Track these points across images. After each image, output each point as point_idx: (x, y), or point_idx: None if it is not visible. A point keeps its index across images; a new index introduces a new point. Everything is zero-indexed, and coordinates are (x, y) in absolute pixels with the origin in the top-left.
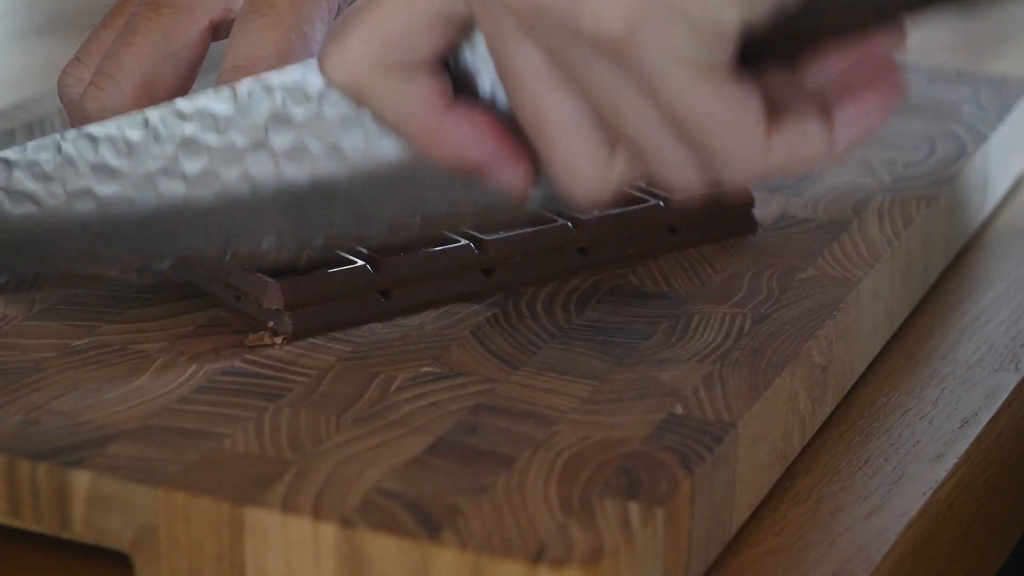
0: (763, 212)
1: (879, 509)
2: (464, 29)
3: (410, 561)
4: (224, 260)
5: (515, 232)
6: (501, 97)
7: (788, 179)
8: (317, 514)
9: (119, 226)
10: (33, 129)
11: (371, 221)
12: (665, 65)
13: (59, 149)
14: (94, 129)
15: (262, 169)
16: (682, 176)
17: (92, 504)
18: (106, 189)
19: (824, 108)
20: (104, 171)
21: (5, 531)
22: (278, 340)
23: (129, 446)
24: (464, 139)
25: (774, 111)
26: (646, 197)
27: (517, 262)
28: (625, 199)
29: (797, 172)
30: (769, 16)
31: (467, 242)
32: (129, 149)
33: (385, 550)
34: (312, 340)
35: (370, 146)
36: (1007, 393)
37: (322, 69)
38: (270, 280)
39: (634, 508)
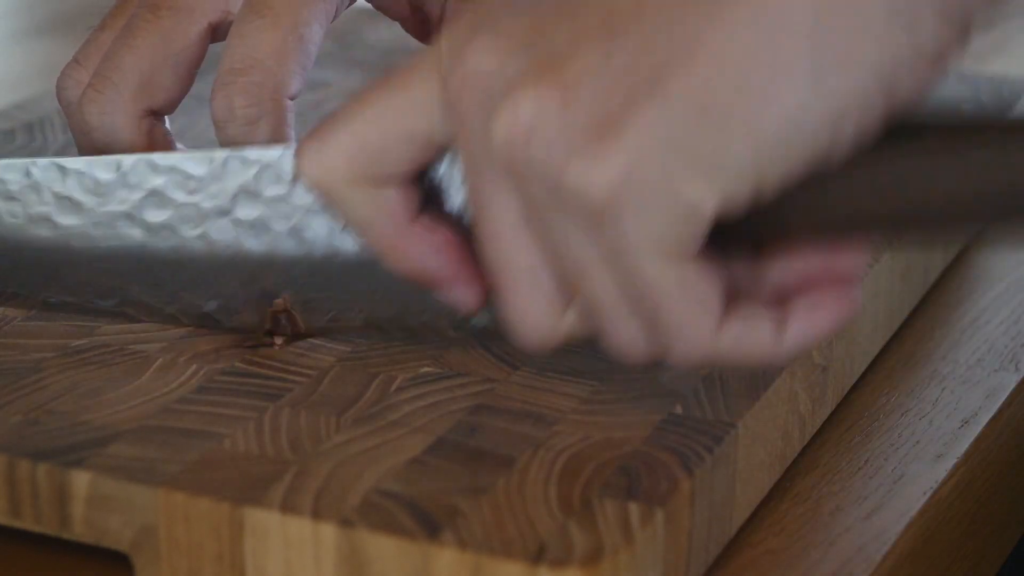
0: None
1: (879, 509)
2: (444, 152)
3: (410, 561)
4: (167, 311)
5: None
6: (468, 218)
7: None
8: (317, 514)
9: (71, 259)
10: (33, 129)
11: (316, 308)
12: (635, 239)
13: (28, 173)
14: (66, 161)
15: (222, 235)
16: (629, 344)
17: (92, 504)
18: (66, 220)
19: (777, 308)
20: (67, 203)
21: (5, 531)
22: (278, 341)
23: (129, 446)
24: (423, 254)
25: (730, 300)
26: None
27: None
28: None
29: (739, 364)
30: (743, 207)
31: None
32: (96, 187)
33: (385, 550)
34: (312, 340)
35: (330, 238)
36: (1007, 393)
37: (297, 165)
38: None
39: (634, 508)
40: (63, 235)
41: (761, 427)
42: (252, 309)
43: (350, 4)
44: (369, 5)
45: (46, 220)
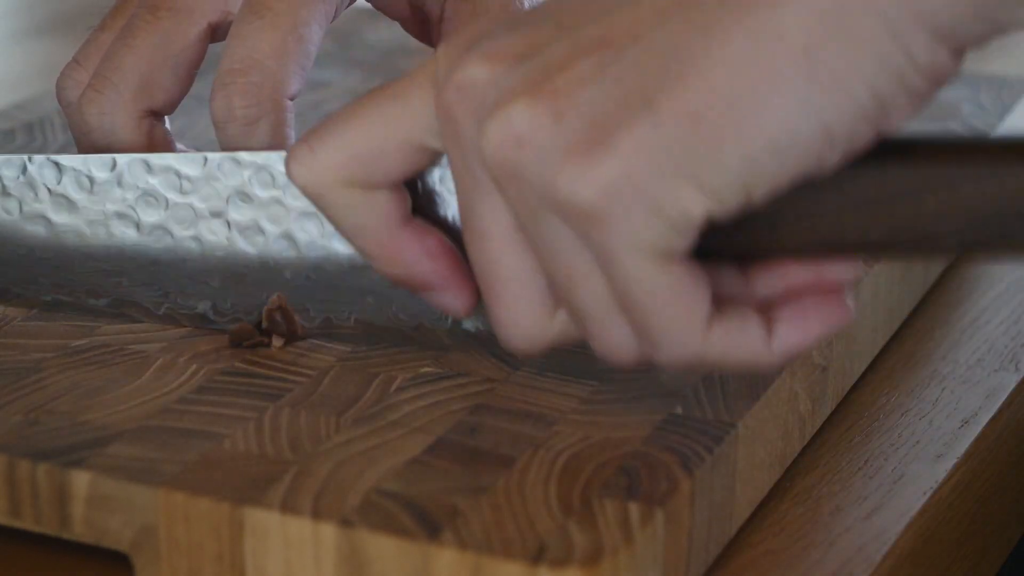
0: None
1: (879, 509)
2: (435, 160)
3: (410, 561)
4: (158, 312)
5: None
6: (459, 224)
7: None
8: (317, 514)
9: (64, 256)
10: (33, 129)
11: (307, 310)
12: (625, 244)
13: (24, 170)
14: (63, 159)
15: (214, 237)
16: (617, 349)
17: (92, 504)
18: (60, 218)
19: (767, 315)
20: (62, 201)
21: (5, 531)
22: (277, 342)
23: (129, 446)
24: (413, 259)
25: (719, 305)
26: None
27: None
28: None
29: (729, 369)
30: (734, 213)
31: None
32: (91, 186)
33: (385, 550)
34: (312, 340)
35: (322, 242)
36: (1007, 393)
37: (288, 169)
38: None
39: (634, 508)
40: (57, 232)
41: (761, 427)
42: (244, 311)
43: (350, 4)
44: (369, 5)
45: (41, 217)
